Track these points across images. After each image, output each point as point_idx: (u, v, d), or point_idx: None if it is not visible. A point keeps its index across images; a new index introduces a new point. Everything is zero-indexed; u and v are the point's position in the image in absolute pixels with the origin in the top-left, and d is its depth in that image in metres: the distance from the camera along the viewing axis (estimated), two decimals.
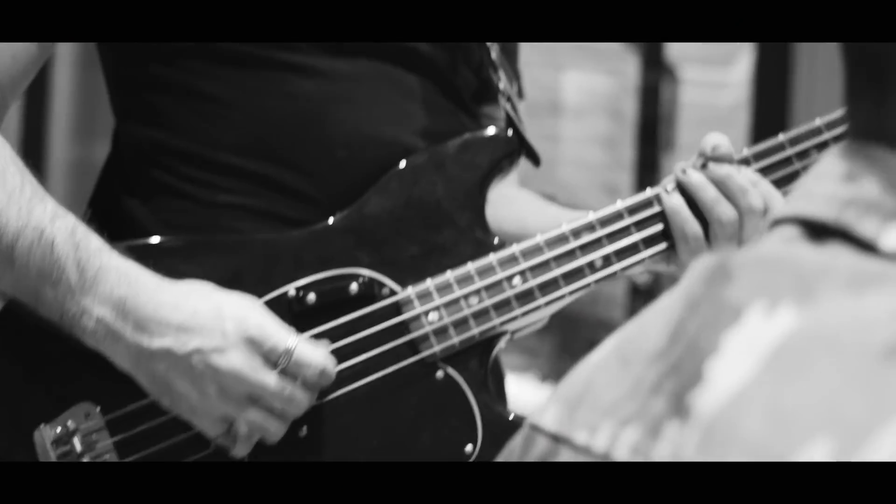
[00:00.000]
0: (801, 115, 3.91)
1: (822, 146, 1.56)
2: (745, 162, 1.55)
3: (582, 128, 4.25)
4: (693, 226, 1.53)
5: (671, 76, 4.11)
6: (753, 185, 1.52)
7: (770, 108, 3.94)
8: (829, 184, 0.68)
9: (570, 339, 4.06)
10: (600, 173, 4.19)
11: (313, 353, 1.45)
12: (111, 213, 1.59)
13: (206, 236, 1.53)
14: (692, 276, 0.70)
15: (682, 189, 1.54)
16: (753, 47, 3.97)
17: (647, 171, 3.95)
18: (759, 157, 1.56)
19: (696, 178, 1.53)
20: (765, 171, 1.55)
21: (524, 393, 3.79)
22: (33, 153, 4.18)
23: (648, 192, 1.56)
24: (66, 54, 4.40)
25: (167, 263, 1.49)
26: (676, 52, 4.10)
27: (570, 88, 4.25)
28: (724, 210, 1.52)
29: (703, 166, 1.53)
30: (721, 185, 1.52)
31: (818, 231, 0.66)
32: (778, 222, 0.69)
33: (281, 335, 1.44)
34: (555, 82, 4.22)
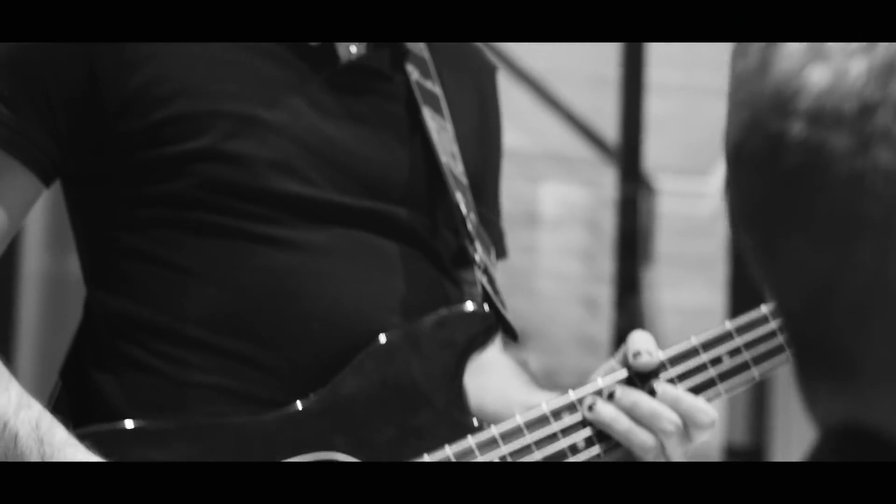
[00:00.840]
0: None
1: (735, 352, 1.53)
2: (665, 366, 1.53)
3: (559, 240, 4.24)
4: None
5: (648, 187, 4.10)
6: (673, 403, 1.49)
7: None
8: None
9: None
10: (578, 285, 4.17)
11: None
12: (81, 387, 1.55)
13: (177, 422, 1.49)
14: None
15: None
16: None
17: (627, 284, 3.92)
18: (674, 362, 1.53)
19: (606, 414, 1.50)
20: (682, 378, 1.52)
21: None
22: (6, 265, 4.15)
23: (624, 373, 1.52)
24: None
25: (138, 452, 1.45)
26: (653, 162, 4.09)
27: (547, 200, 4.24)
28: (639, 437, 1.49)
29: (630, 380, 1.51)
30: (631, 413, 1.49)
31: None
32: None
33: None
34: (532, 194, 4.20)
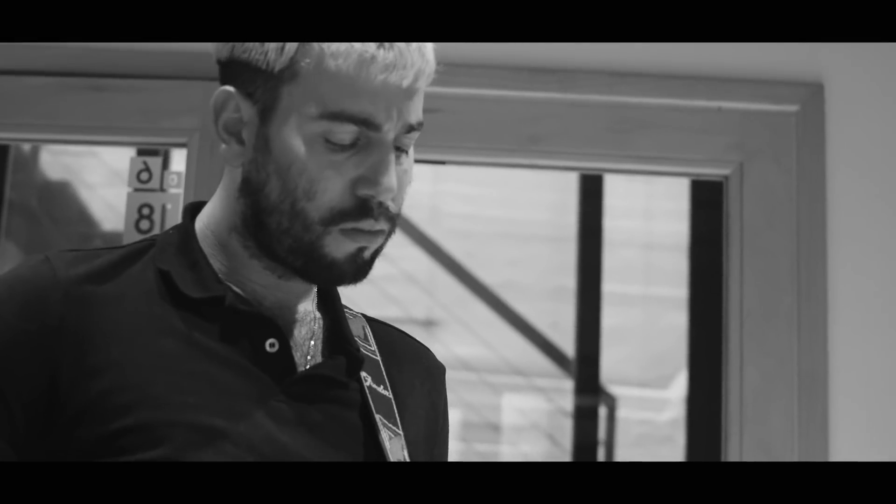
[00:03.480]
0: (734, 428, 3.91)
1: None
2: None
3: (520, 450, 4.24)
4: None
5: (608, 398, 4.11)
6: None
7: (705, 426, 3.93)
8: None
9: None
10: None
11: None
12: None
13: None
14: None
15: None
16: (687, 370, 3.98)
17: None
18: None
19: None
20: None
21: None
22: None
23: None
24: None
25: None
26: (611, 372, 4.11)
27: (508, 410, 4.25)
28: None
29: None
30: None
31: None
32: None
33: None
34: (494, 404, 4.22)
